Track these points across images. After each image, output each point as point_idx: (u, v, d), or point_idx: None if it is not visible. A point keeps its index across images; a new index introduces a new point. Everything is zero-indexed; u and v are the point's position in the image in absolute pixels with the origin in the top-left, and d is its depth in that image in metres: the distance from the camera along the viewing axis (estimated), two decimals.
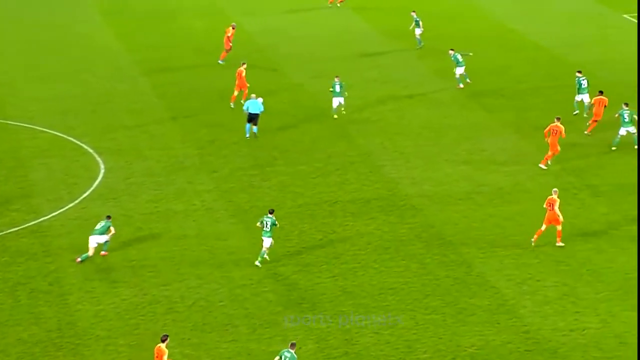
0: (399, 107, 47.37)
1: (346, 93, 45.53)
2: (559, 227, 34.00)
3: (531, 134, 43.79)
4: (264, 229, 33.17)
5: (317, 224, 36.13)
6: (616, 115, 42.29)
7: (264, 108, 43.57)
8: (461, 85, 49.35)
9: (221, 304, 31.34)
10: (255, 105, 43.59)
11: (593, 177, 39.30)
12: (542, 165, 39.97)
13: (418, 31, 55.08)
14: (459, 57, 49.24)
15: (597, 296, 31.27)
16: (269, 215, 33.33)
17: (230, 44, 52.65)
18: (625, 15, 61.35)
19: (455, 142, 43.19)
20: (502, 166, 40.62)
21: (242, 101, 46.03)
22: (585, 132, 43.48)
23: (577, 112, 45.54)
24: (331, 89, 45.55)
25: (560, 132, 39.89)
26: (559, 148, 39.99)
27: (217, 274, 32.98)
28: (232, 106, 46.60)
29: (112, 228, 33.77)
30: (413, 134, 44.18)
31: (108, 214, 34.63)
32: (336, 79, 45.52)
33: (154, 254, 34.27)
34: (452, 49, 49.72)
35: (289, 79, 51.06)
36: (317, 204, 37.63)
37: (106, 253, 33.86)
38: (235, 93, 46.62)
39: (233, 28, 53.57)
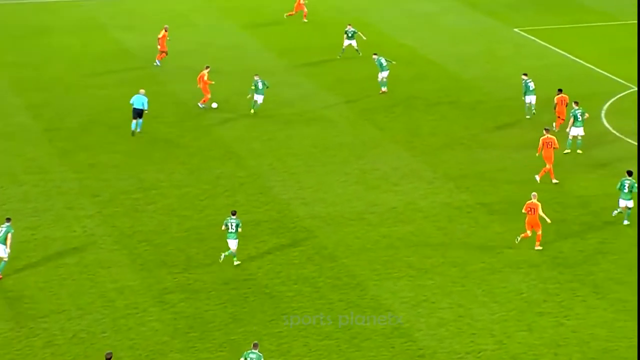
0: (288, 126, 47.69)
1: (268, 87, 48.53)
2: (539, 232, 35.44)
3: (424, 152, 44.58)
4: (229, 230, 34.30)
5: (205, 248, 36.07)
6: (571, 118, 43.69)
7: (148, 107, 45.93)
8: (383, 89, 50.98)
9: (104, 335, 30.98)
10: (139, 100, 45.57)
11: (487, 195, 40.19)
12: (554, 180, 40.80)
13: (353, 43, 56.27)
14: (383, 61, 50.81)
15: (492, 317, 31.95)
16: (233, 217, 34.38)
17: (166, 47, 55.05)
18: (516, 29, 63.01)
19: (347, 161, 43.68)
20: (395, 185, 41.23)
21: (199, 104, 48.91)
22: (553, 130, 44.96)
23: (528, 116, 47.86)
24: (253, 87, 47.94)
25: (553, 143, 40.68)
26: (551, 161, 40.75)
27: (99, 304, 32.60)
28: (215, 106, 48.77)
29: (10, 235, 33.35)
30: (303, 153, 44.52)
31: (8, 217, 34.24)
32: (256, 77, 48.07)
33: (32, 283, 33.70)
34: (375, 53, 51.41)
35: (174, 96, 50.89)
36: (206, 228, 37.57)
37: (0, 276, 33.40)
38: (207, 95, 48.96)
39: (166, 30, 55.36)
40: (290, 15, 63.88)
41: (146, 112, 45.88)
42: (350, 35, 56.52)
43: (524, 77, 48.05)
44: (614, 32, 62.98)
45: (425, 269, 34.66)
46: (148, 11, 67.36)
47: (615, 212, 37.89)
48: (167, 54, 55.47)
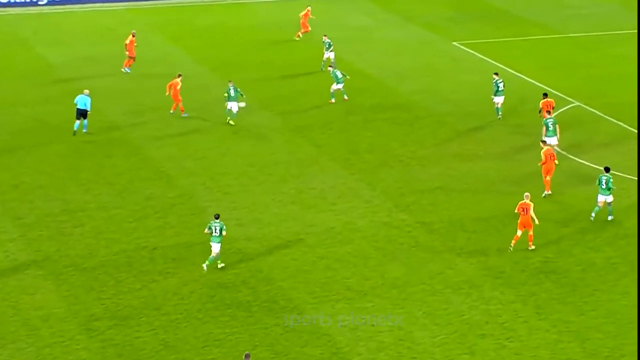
0: (222, 143, 47.52)
1: (244, 96, 48.84)
2: (531, 232, 36.65)
3: (362, 169, 44.67)
4: (213, 234, 35.18)
5: (135, 272, 35.75)
6: (543, 127, 44.30)
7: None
8: (333, 100, 52.00)
9: None
10: (83, 100, 47.03)
11: (426, 214, 40.36)
12: (547, 192, 41.41)
13: (331, 55, 56.55)
14: (339, 73, 51.95)
15: (433, 340, 32.02)
16: (217, 221, 35.27)
17: (134, 52, 56.10)
18: (454, 43, 63.57)
19: (283, 179, 43.62)
20: (332, 204, 41.24)
21: (171, 112, 50.14)
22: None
23: (500, 116, 49.45)
24: (226, 94, 48.62)
25: (554, 156, 41.46)
26: (551, 174, 41.34)
27: (22, 332, 32.11)
28: (185, 115, 50.02)
29: None
30: (237, 172, 44.37)
31: None
32: (230, 84, 48.52)
33: None
34: (330, 66, 52.99)
35: (101, 114, 50.44)
36: (135, 251, 37.25)
37: None
38: (180, 104, 49.96)
39: (133, 36, 56.32)
40: (299, 35, 63.11)
41: (89, 112, 47.14)
42: (327, 46, 56.72)
43: (494, 76, 49.30)
44: (555, 45, 63.84)
45: (365, 291, 34.66)
46: (73, 25, 66.87)
47: (594, 213, 39.24)
48: (134, 60, 56.12)
